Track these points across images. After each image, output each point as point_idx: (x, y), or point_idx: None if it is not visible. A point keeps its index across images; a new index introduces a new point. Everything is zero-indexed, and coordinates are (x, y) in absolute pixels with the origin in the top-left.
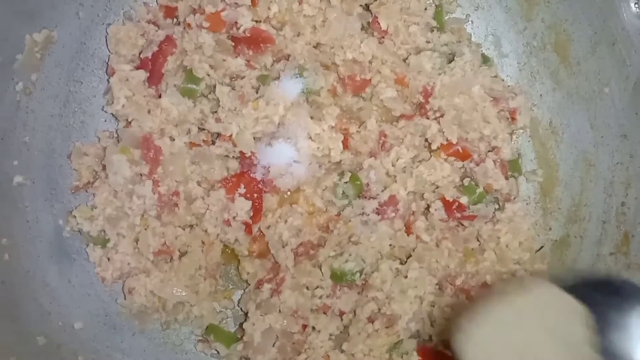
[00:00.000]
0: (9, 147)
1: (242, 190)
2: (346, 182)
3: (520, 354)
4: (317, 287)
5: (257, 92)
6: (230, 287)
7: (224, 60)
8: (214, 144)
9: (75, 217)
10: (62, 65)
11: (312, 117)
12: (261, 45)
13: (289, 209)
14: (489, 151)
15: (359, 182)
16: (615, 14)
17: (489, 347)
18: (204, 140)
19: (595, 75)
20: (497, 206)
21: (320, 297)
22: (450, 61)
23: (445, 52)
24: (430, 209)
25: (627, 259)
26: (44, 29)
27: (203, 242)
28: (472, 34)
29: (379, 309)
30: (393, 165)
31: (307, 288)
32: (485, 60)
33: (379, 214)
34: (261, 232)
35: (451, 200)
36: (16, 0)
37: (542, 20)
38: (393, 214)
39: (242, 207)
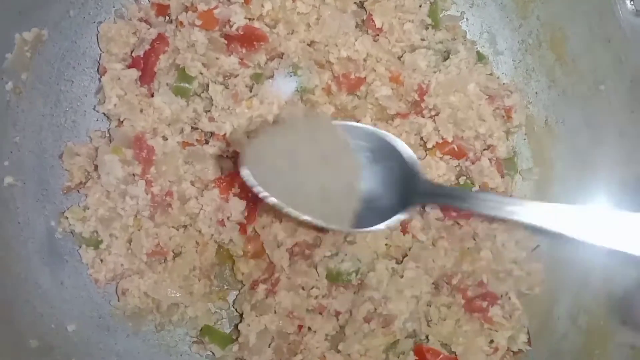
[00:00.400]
0: None
1: (236, 190)
2: None
3: (285, 158)
4: (313, 287)
5: (250, 91)
6: (225, 287)
7: (217, 58)
8: (207, 143)
9: (67, 218)
10: (52, 64)
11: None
12: (254, 43)
13: None
14: (484, 149)
15: None
16: (610, 12)
17: (260, 153)
18: (197, 140)
19: (590, 73)
20: None
21: (316, 298)
22: (445, 59)
23: (440, 49)
24: (426, 208)
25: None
26: (33, 27)
27: (197, 243)
28: (467, 31)
29: (375, 309)
30: None
31: (303, 288)
32: (481, 57)
33: None
34: (256, 232)
35: None
36: None
37: (538, 17)
38: None
39: (237, 207)
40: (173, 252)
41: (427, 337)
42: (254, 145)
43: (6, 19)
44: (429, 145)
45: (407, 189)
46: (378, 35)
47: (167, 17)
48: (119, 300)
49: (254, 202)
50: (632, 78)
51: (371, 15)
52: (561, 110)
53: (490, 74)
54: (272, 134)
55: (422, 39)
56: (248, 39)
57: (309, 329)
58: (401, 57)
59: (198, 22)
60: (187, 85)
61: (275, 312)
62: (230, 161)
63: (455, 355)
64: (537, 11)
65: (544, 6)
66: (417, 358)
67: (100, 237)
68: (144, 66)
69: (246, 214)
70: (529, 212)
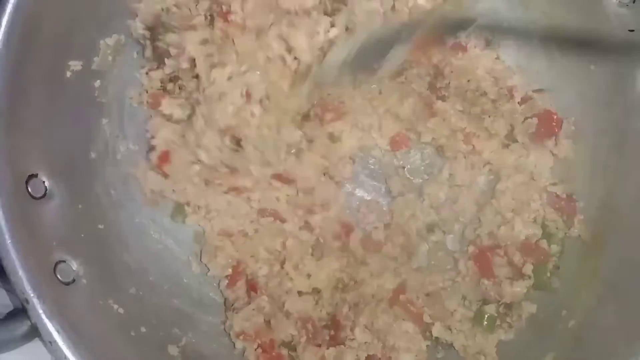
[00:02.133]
0: None
1: None
2: None
3: None
4: None
5: None
6: None
7: None
8: None
9: None
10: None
11: None
12: None
13: None
14: None
15: None
16: (598, 4)
17: None
18: None
19: (583, 55)
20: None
21: None
22: None
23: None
24: None
25: None
26: (114, 34)
27: None
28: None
29: None
30: None
31: None
32: (488, 43)
33: None
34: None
35: None
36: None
37: (538, 7)
38: None
39: None
40: None
41: None
42: None
43: (92, 28)
44: None
45: None
46: None
47: None
48: None
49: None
50: (617, 59)
51: None
52: (559, 86)
53: (497, 58)
54: None
55: None
56: None
57: None
58: None
59: None
60: None
61: None
62: None
63: None
64: (537, 1)
65: None
66: None
67: None
68: None
69: None
70: None
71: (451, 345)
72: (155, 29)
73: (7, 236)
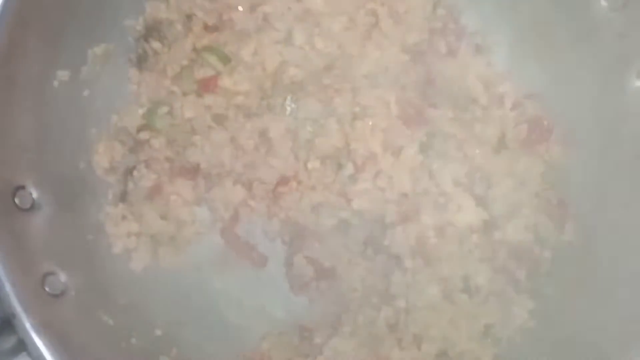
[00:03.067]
0: None
1: None
2: None
3: None
4: None
5: None
6: None
7: None
8: None
9: None
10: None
11: None
12: None
13: None
14: None
15: None
16: (588, 7)
17: None
18: None
19: (574, 60)
20: None
21: None
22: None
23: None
24: None
25: None
26: (102, 43)
27: None
28: (467, 25)
29: None
30: None
31: None
32: (478, 49)
33: None
34: None
35: None
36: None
37: (528, 11)
38: None
39: None
40: None
41: None
42: None
43: (81, 38)
44: None
45: None
46: None
47: None
48: None
49: None
50: (607, 62)
51: None
52: (549, 92)
53: (488, 64)
54: None
55: None
56: None
57: None
58: None
59: None
60: None
61: None
62: None
63: None
64: (527, 5)
65: (533, 2)
66: None
67: None
68: None
69: None
70: None
71: (445, 352)
72: (150, 32)
73: None
